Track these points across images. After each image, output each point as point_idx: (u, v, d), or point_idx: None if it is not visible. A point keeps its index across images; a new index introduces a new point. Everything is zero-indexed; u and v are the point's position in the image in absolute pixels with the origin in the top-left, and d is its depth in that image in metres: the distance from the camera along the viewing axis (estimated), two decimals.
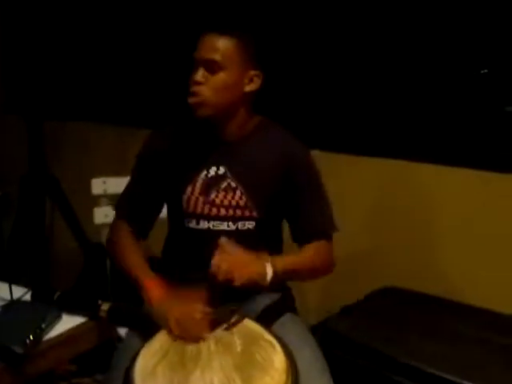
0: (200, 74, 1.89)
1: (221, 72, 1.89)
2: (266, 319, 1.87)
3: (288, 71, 2.99)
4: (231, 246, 1.81)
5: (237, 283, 1.74)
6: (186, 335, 1.71)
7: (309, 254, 1.99)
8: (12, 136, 3.55)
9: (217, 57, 1.88)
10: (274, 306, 1.99)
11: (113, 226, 2.12)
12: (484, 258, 2.61)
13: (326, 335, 2.27)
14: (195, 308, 1.76)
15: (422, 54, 2.73)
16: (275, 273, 1.81)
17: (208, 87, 1.89)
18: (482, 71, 2.62)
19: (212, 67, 1.89)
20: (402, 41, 2.76)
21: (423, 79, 2.74)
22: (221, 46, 1.89)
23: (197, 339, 1.70)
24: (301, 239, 2.02)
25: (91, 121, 3.54)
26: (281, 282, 1.95)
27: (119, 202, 2.14)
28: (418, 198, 2.77)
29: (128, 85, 3.54)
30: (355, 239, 2.78)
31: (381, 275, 2.75)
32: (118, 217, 2.12)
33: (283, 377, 1.57)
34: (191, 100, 1.91)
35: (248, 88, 1.95)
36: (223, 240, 1.82)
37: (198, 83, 1.89)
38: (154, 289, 1.84)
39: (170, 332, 1.73)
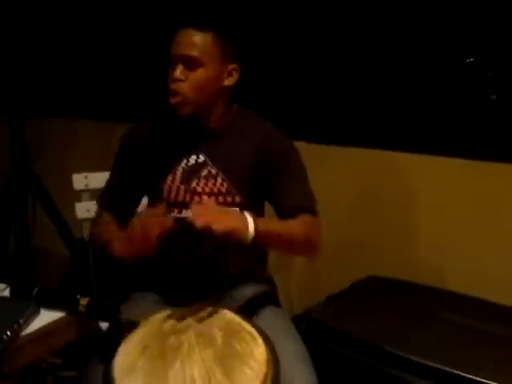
0: (179, 71, 1.88)
1: (200, 68, 1.88)
2: (248, 311, 1.87)
3: (270, 62, 2.97)
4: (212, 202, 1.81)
5: (216, 231, 1.63)
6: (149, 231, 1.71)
7: (294, 222, 1.92)
8: None
9: (195, 53, 1.87)
10: (256, 297, 1.99)
11: (95, 216, 2.12)
12: (467, 245, 2.61)
13: (311, 325, 2.26)
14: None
15: (403, 44, 2.72)
16: (257, 230, 1.73)
17: (188, 84, 1.88)
18: (468, 60, 2.61)
19: (190, 64, 1.88)
20: (382, 32, 2.74)
21: (404, 69, 2.73)
22: (198, 41, 1.88)
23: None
24: (286, 216, 1.97)
25: (72, 116, 3.52)
26: (264, 242, 1.86)
27: (100, 195, 2.15)
28: (401, 187, 2.76)
29: (108, 79, 3.52)
30: (339, 229, 2.77)
31: (366, 264, 2.75)
32: (99, 207, 2.13)
33: (263, 368, 1.55)
34: (173, 100, 1.90)
35: (227, 82, 1.95)
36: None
37: (178, 80, 1.88)
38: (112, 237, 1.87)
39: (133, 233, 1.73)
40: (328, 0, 2.82)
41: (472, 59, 2.61)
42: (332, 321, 2.27)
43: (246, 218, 1.73)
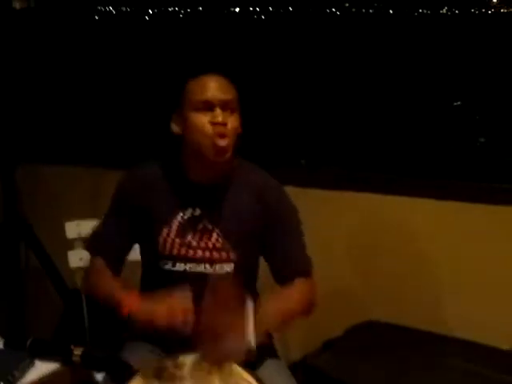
0: (221, 115, 1.84)
1: (235, 113, 1.88)
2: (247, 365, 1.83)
3: (260, 108, 2.99)
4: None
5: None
6: (176, 323, 1.69)
7: (291, 298, 1.92)
8: None
9: (232, 96, 1.87)
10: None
11: (89, 264, 2.07)
12: (465, 288, 2.60)
13: (308, 372, 2.23)
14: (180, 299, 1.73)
15: (396, 89, 2.75)
16: (259, 337, 1.72)
17: (230, 128, 1.86)
18: (455, 103, 2.65)
19: (229, 107, 1.86)
20: (374, 78, 2.78)
21: (398, 113, 2.76)
22: (229, 86, 1.89)
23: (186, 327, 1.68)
24: (282, 280, 1.97)
25: (63, 163, 3.52)
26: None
27: (92, 240, 2.10)
28: (397, 230, 2.76)
29: (98, 125, 3.54)
30: (336, 274, 2.75)
31: (363, 310, 2.72)
32: (92, 254, 2.07)
33: None
34: (223, 143, 1.84)
35: (240, 130, 1.92)
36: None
37: (224, 124, 1.84)
38: (130, 298, 1.81)
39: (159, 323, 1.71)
40: (315, 48, 2.85)
41: (459, 102, 2.64)
42: (329, 368, 2.25)
43: (246, 340, 1.68)
